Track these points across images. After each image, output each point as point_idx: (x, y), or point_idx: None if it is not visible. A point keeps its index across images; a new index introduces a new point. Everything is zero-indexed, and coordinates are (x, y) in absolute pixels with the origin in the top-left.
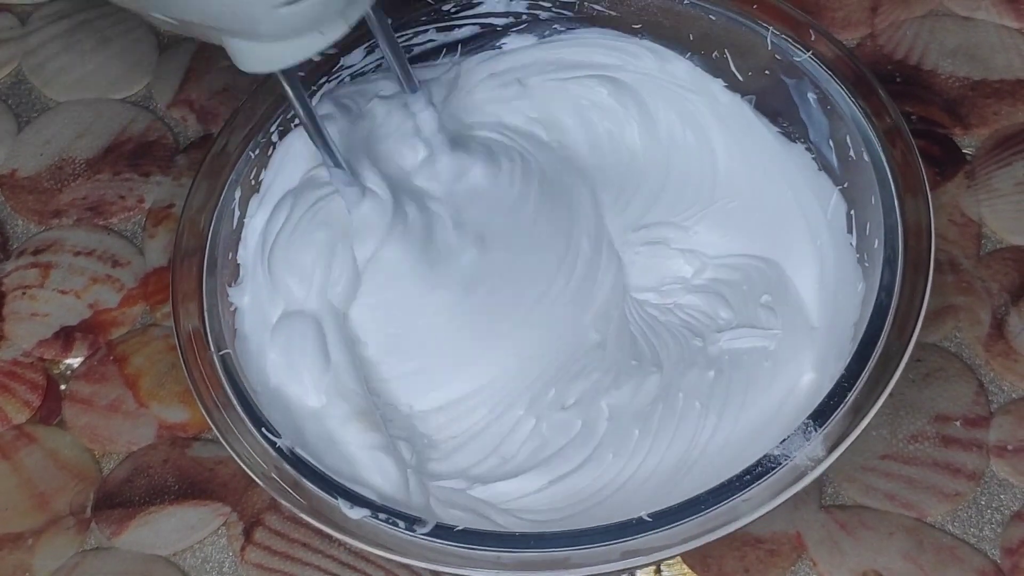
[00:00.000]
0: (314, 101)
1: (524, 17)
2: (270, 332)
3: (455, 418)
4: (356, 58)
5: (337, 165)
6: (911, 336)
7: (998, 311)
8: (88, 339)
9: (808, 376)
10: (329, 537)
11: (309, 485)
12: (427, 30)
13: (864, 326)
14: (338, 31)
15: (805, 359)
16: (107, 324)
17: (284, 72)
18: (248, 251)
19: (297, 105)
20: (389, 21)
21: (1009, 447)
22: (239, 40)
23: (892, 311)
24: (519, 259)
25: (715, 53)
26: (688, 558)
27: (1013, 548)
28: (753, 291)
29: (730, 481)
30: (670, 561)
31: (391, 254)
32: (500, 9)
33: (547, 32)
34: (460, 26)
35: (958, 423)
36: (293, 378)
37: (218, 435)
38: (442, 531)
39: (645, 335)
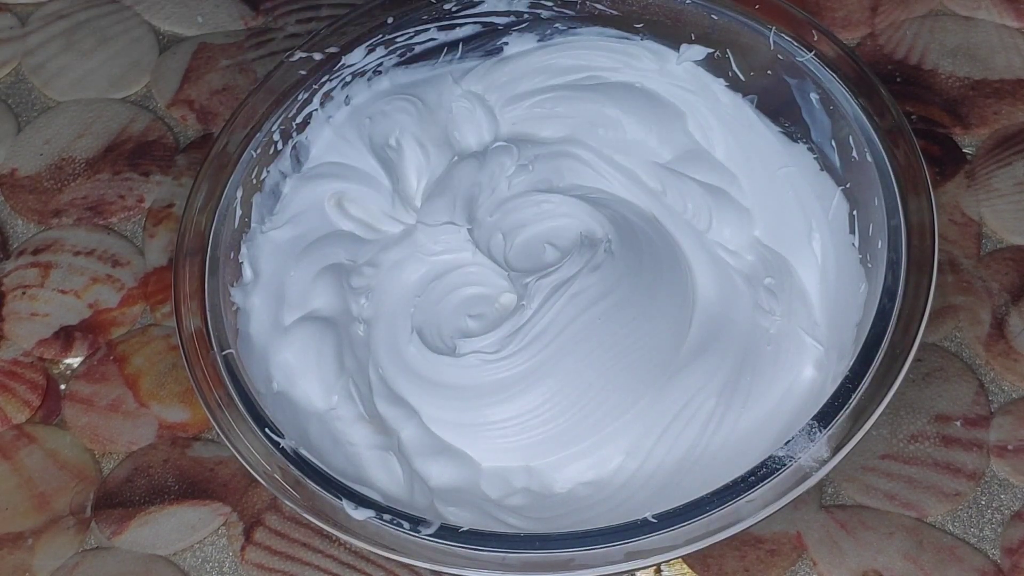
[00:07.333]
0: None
1: (526, 16)
2: (282, 333)
3: None
4: (357, 57)
5: None
6: (915, 337)
7: (998, 311)
8: (88, 339)
9: (809, 373)
10: (330, 537)
11: (313, 485)
12: (428, 28)
13: (867, 327)
14: None
15: (807, 351)
16: (107, 324)
17: None
18: (263, 253)
19: None
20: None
21: (1009, 447)
22: None
23: (896, 312)
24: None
25: (716, 53)
26: (688, 558)
27: (1013, 548)
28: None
29: (735, 482)
30: (670, 561)
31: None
32: (502, 8)
33: (548, 31)
34: (461, 25)
35: (958, 423)
36: (304, 379)
37: (221, 435)
38: (447, 532)
39: None
